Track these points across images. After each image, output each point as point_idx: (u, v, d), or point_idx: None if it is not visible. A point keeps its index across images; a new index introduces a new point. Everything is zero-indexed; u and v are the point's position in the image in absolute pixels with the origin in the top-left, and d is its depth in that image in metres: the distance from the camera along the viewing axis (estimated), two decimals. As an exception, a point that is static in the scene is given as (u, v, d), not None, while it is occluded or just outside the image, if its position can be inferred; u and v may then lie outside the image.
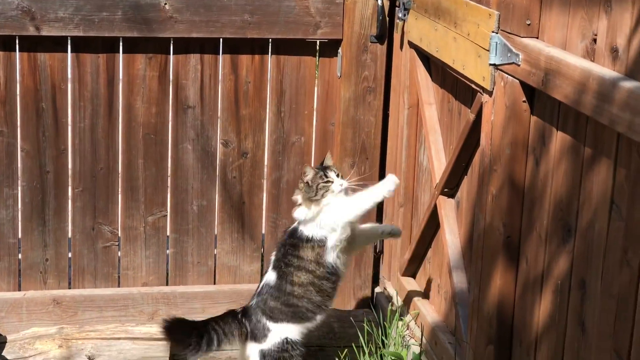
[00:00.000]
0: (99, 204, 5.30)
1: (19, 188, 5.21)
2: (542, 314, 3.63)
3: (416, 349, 4.86)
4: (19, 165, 5.19)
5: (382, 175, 5.51)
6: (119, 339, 5.17)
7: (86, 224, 5.32)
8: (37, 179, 5.21)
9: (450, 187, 4.67)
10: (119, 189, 5.34)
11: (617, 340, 3.06)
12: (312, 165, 5.15)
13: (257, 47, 5.34)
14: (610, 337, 3.10)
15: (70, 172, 5.27)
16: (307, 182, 4.49)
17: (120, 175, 5.33)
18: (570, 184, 3.38)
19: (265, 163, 5.49)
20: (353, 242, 4.62)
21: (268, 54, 5.37)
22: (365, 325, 5.32)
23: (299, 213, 4.56)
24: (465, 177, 4.53)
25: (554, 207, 3.52)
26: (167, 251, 5.46)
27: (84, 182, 5.27)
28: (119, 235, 5.38)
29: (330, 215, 4.48)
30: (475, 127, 4.23)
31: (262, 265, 5.60)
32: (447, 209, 4.71)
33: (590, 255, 3.25)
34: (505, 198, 3.82)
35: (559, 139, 3.49)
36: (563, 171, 3.44)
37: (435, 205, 4.79)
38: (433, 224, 4.89)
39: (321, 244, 4.50)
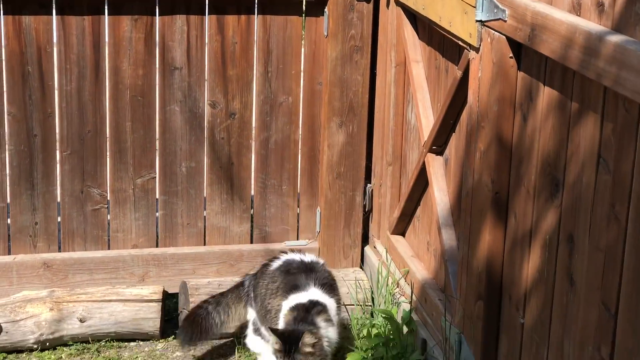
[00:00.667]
0: (88, 167, 5.30)
1: (7, 152, 5.20)
2: (531, 269, 3.65)
3: (406, 306, 4.89)
4: (6, 129, 5.17)
5: (370, 134, 5.52)
6: (110, 301, 5.19)
7: (75, 187, 5.31)
8: (25, 143, 5.20)
9: (438, 144, 4.67)
10: (107, 152, 5.33)
11: (605, 293, 3.08)
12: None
13: (243, 7, 5.32)
14: (598, 290, 3.12)
15: (57, 135, 5.26)
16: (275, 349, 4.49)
17: (108, 138, 5.31)
18: (558, 139, 3.39)
19: (253, 124, 5.48)
20: None
21: (254, 14, 5.34)
22: (355, 283, 5.35)
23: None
24: (453, 134, 4.54)
25: (541, 162, 3.53)
26: (157, 213, 5.46)
27: (72, 146, 5.26)
28: (108, 197, 5.38)
29: None
30: (462, 84, 4.24)
31: (251, 226, 5.61)
32: (436, 167, 4.72)
33: (578, 209, 3.26)
34: (493, 155, 3.83)
35: (546, 95, 3.49)
36: (550, 126, 3.45)
37: (424, 163, 4.79)
38: (422, 182, 4.90)
39: None
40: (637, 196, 2.88)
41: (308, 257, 4.85)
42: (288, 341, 4.35)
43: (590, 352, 3.18)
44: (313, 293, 4.64)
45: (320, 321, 4.51)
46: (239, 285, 5.02)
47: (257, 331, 4.88)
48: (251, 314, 4.93)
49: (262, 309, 4.78)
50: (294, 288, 4.65)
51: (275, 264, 4.83)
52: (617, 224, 2.99)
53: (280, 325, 4.55)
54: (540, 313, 3.58)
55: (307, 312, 4.53)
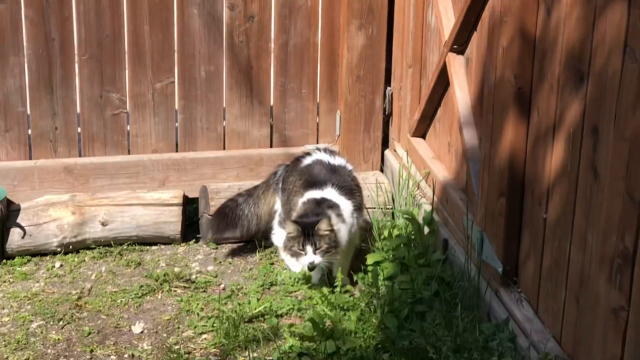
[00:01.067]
0: (106, 71, 5.28)
1: (25, 57, 5.18)
2: (554, 163, 3.64)
3: (427, 208, 4.89)
4: (24, 33, 5.15)
5: (389, 37, 5.48)
6: (131, 205, 5.22)
7: (94, 92, 5.30)
8: (43, 47, 5.18)
9: (459, 43, 4.63)
10: (126, 56, 5.31)
11: (629, 183, 3.07)
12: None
13: None
14: (622, 180, 3.11)
15: (75, 39, 5.23)
16: (288, 236, 4.60)
17: (126, 42, 5.28)
18: (583, 29, 3.35)
19: (272, 27, 5.44)
20: None
21: None
22: (376, 186, 5.36)
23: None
24: (475, 32, 4.49)
25: (565, 54, 3.49)
26: (176, 118, 5.46)
27: (90, 50, 5.23)
28: (127, 102, 5.37)
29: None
30: (484, -20, 4.18)
31: (271, 131, 5.60)
32: (457, 66, 4.69)
33: (603, 100, 3.23)
34: (516, 50, 3.79)
35: (571, -14, 3.44)
36: (575, 17, 3.40)
37: (445, 63, 4.76)
38: (442, 83, 4.87)
39: None
40: (664, 83, 2.86)
41: (337, 160, 4.88)
42: (306, 226, 4.47)
43: (614, 242, 3.18)
44: (328, 192, 4.69)
45: (332, 215, 4.58)
46: (271, 176, 5.12)
47: (281, 223, 4.93)
48: (278, 204, 4.98)
49: (286, 204, 4.84)
50: (311, 185, 4.70)
51: (305, 162, 4.87)
52: (643, 112, 2.97)
53: (293, 217, 4.65)
54: (564, 207, 3.57)
55: (319, 205, 4.62)
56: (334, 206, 4.65)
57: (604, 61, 3.22)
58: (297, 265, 4.88)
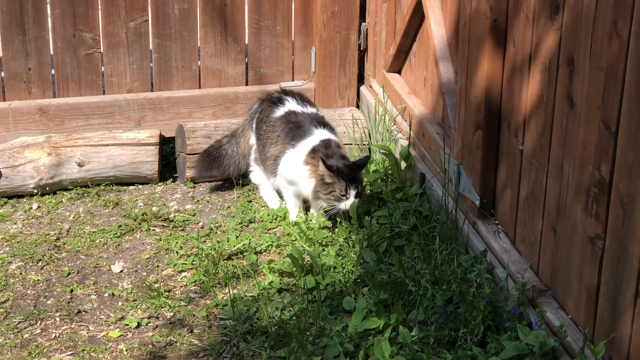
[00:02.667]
0: (79, 10, 5.22)
1: (-4, -3, 5.13)
2: (530, 94, 3.64)
3: (404, 143, 4.90)
4: (-6, -28, 5.09)
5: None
6: (107, 145, 5.20)
7: (67, 32, 5.25)
8: (14, -14, 5.12)
9: (434, -24, 4.61)
10: (98, -5, 5.26)
11: (605, 112, 3.08)
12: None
13: None
14: (598, 109, 3.12)
15: (47, -22, 5.18)
16: (322, 181, 4.54)
17: (98, -20, 5.24)
18: (558, -41, 3.34)
19: (245, -37, 5.40)
20: None
21: None
22: (352, 122, 5.35)
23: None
24: (450, -35, 4.47)
25: (541, -15, 3.49)
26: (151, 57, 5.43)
27: (62, -11, 5.18)
28: (101, 42, 5.32)
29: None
30: None
31: (246, 68, 5.58)
32: (432, 0, 4.67)
33: (579, 30, 3.23)
34: (491, -19, 3.78)
35: None
36: (550, -53, 3.39)
37: (420, -3, 4.74)
38: (417, 17, 4.85)
39: None
40: (639, 10, 2.85)
41: (309, 109, 4.88)
42: (349, 170, 4.53)
43: (590, 171, 3.20)
44: (324, 133, 4.73)
45: (346, 153, 4.67)
46: (247, 111, 5.13)
47: (257, 160, 4.94)
48: (253, 139, 4.98)
49: (262, 153, 4.84)
50: (300, 136, 4.71)
51: (278, 113, 4.84)
52: (619, 41, 2.97)
53: (304, 172, 4.62)
54: (540, 138, 3.58)
55: (334, 147, 4.64)
56: (340, 145, 4.70)
57: (579, -10, 3.21)
58: (276, 202, 4.91)
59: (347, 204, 4.49)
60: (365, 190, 4.67)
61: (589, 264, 3.26)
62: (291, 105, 4.86)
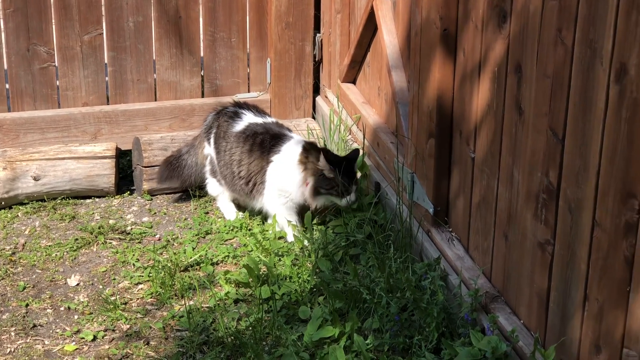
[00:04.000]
0: (32, 24, 5.21)
1: (-51, 11, 5.11)
2: (481, 102, 3.68)
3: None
4: (-53, -13, 5.07)
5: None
6: (63, 159, 5.18)
7: (20, 46, 5.24)
8: (-33, 1, 5.11)
9: (386, -13, 4.65)
10: (52, 9, 5.24)
11: (552, 119, 3.13)
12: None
13: None
14: (546, 116, 3.16)
15: (0, -8, 5.16)
16: (321, 177, 4.52)
17: (52, -7, 5.23)
18: (505, -32, 3.38)
19: (200, -25, 5.41)
20: None
21: None
22: (307, 132, 5.38)
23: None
24: (401, -25, 4.51)
25: (489, -6, 3.53)
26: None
27: (15, 2, 5.16)
28: (55, 55, 5.31)
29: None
30: None
31: (202, 81, 5.59)
32: (384, 10, 4.70)
33: (526, 38, 3.27)
34: (441, -9, 3.82)
35: None
36: (497, -43, 3.44)
37: (372, 8, 4.77)
38: (370, 27, 4.89)
39: None
40: (583, 19, 2.90)
41: (269, 119, 4.89)
42: (346, 164, 4.54)
43: (539, 177, 3.24)
44: (297, 136, 4.77)
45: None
46: (203, 124, 5.08)
47: (214, 173, 4.93)
48: (207, 149, 4.96)
49: (226, 172, 4.83)
50: (280, 142, 4.70)
51: (238, 127, 4.82)
52: (564, 48, 3.01)
53: (298, 173, 4.60)
54: (490, 145, 3.62)
55: (316, 146, 4.64)
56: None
57: (525, -1, 3.26)
58: (232, 213, 4.91)
59: (349, 198, 4.52)
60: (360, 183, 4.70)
61: (539, 269, 3.30)
62: (249, 117, 4.86)
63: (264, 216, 4.84)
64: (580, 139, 2.97)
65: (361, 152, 4.88)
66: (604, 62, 2.79)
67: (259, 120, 4.84)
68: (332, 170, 4.48)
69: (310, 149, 4.57)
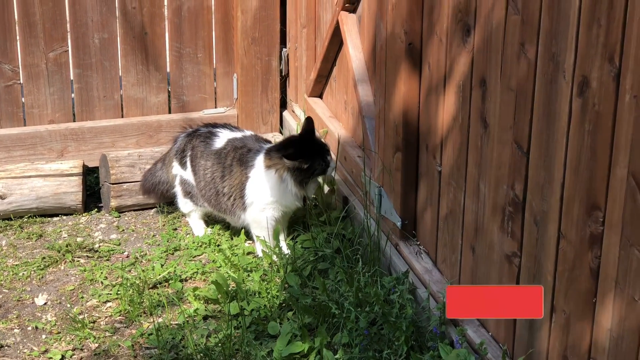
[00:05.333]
0: (-4, 42, 5.20)
1: None
2: (446, 116, 3.70)
3: (327, 166, 4.93)
4: None
5: (283, 5, 5.48)
6: (30, 177, 5.16)
7: (-15, 64, 5.22)
8: None
9: (351, 2, 4.67)
10: (16, 26, 5.21)
11: (517, 132, 3.14)
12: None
13: None
14: (510, 129, 3.18)
15: (-37, 11, 5.13)
16: (299, 168, 4.48)
17: (15, 11, 5.19)
18: (465, -18, 3.41)
19: (165, -8, 5.41)
20: None
21: None
22: (275, 147, 5.36)
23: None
24: (366, -10, 4.53)
25: (452, 8, 3.54)
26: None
27: (-21, 21, 5.14)
28: (21, 73, 5.29)
29: None
30: (372, -62, 4.20)
31: (169, 97, 5.58)
32: (350, 25, 4.72)
33: (490, 52, 3.29)
34: (405, 5, 3.83)
35: (454, -60, 3.49)
36: (460, -29, 3.46)
37: (338, 22, 4.79)
38: (336, 42, 4.90)
39: None
40: (545, 32, 2.92)
41: (247, 132, 4.87)
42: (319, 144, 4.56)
43: (505, 190, 3.26)
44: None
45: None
46: (173, 143, 5.03)
47: (188, 194, 4.89)
48: (176, 169, 4.93)
49: (208, 190, 4.77)
50: (254, 155, 4.67)
51: (217, 145, 4.78)
52: (527, 62, 3.03)
53: (274, 178, 4.54)
54: (457, 158, 3.64)
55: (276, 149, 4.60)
56: None
57: (488, 13, 3.28)
58: (201, 230, 4.91)
59: (331, 167, 4.55)
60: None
61: (506, 281, 3.32)
62: (226, 134, 4.82)
63: (233, 232, 4.83)
64: (544, 152, 2.99)
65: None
66: (566, 76, 2.81)
67: (237, 135, 4.81)
68: (303, 162, 4.45)
69: (270, 151, 4.55)
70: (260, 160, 4.58)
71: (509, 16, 3.14)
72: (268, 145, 4.67)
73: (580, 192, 2.82)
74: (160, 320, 4.21)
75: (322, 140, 4.70)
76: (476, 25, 3.38)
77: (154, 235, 5.02)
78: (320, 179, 4.62)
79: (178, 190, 4.96)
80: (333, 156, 4.60)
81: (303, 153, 4.45)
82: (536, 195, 3.07)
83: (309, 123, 4.54)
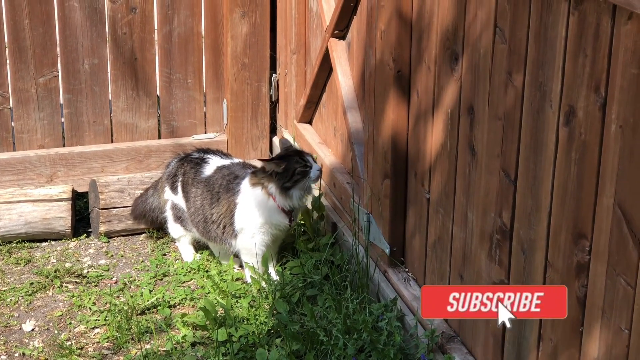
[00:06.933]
0: (-14, 67, 5.20)
1: None
2: (434, 143, 3.71)
3: (315, 192, 4.93)
4: None
5: (273, 24, 5.50)
6: (18, 202, 5.15)
7: (-25, 89, 5.22)
8: None
9: (340, 28, 4.68)
10: (6, 51, 5.22)
11: (504, 160, 3.15)
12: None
13: None
14: (498, 157, 3.19)
15: (-46, 36, 5.14)
16: (278, 172, 4.48)
17: (6, 36, 5.20)
18: (456, 11, 3.42)
19: (155, 17, 5.41)
20: None
21: None
22: (265, 173, 5.36)
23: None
24: (355, 17, 4.54)
25: (441, 36, 3.56)
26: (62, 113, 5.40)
27: (-31, 46, 5.15)
28: (10, 98, 5.29)
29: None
30: (361, -35, 4.23)
31: (159, 122, 5.58)
32: (339, 51, 4.73)
33: (477, 80, 3.31)
34: (394, 33, 3.85)
35: (443, -31, 3.51)
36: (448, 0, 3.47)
37: (327, 49, 4.80)
38: (326, 68, 4.91)
39: None
40: (532, 62, 2.93)
41: (235, 160, 4.88)
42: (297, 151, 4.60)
43: (493, 218, 3.26)
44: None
45: None
46: (165, 171, 5.02)
47: (178, 219, 4.89)
48: (168, 194, 4.93)
49: (198, 217, 4.77)
50: (239, 181, 4.67)
51: (207, 172, 4.78)
52: (514, 90, 3.04)
53: (261, 195, 4.55)
54: (445, 186, 3.65)
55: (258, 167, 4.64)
56: None
57: (475, 42, 3.29)
58: (190, 255, 4.90)
59: (314, 169, 4.48)
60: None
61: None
62: (216, 161, 4.82)
63: (227, 258, 4.82)
64: (531, 180, 3.00)
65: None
66: (553, 105, 2.83)
67: (226, 162, 4.82)
68: (280, 162, 4.46)
69: (255, 171, 4.59)
70: (246, 183, 4.59)
71: (496, 45, 3.16)
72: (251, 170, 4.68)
73: (567, 221, 2.83)
74: (148, 346, 4.20)
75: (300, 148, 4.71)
76: (464, 53, 3.39)
77: (142, 261, 5.01)
78: (301, 189, 4.53)
79: (169, 214, 4.95)
80: (314, 165, 4.52)
81: (283, 156, 4.54)
82: (523, 224, 3.07)
83: (286, 146, 4.68)
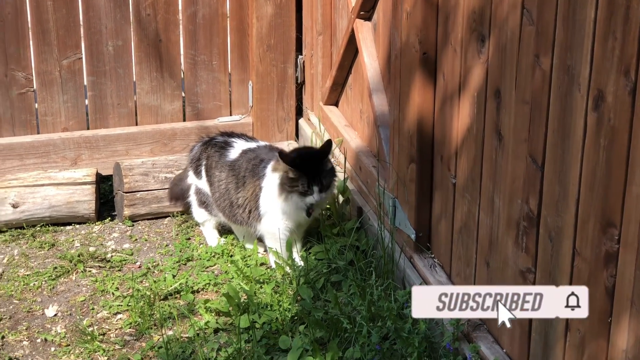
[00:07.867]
0: (10, 49, 5.14)
1: None
2: (461, 128, 3.62)
3: (341, 176, 4.86)
4: None
5: (299, 4, 5.42)
6: (42, 185, 5.11)
7: (-2, 71, 5.18)
8: (-57, 27, 5.04)
9: (366, 9, 4.59)
10: (30, 33, 5.18)
11: (532, 145, 3.07)
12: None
13: None
14: (525, 142, 3.11)
15: (-24, 18, 5.10)
16: (288, 175, 4.36)
17: (29, 18, 5.15)
18: (482, -8, 3.33)
19: (179, -2, 5.36)
20: None
21: None
22: (290, 156, 5.30)
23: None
24: (381, -3, 4.46)
25: (467, 17, 3.47)
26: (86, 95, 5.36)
27: (-8, 28, 5.11)
28: (34, 80, 5.25)
29: None
30: (387, -55, 4.14)
31: (183, 104, 5.52)
32: (365, 33, 4.65)
33: (504, 63, 3.22)
34: (419, 14, 3.76)
35: (469, -52, 3.41)
36: (474, -20, 3.38)
37: (353, 30, 4.72)
38: (352, 50, 4.83)
39: None
40: (560, 44, 2.84)
41: (261, 143, 4.80)
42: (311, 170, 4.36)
43: (520, 204, 3.18)
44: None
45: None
46: (189, 154, 4.96)
47: (203, 204, 4.82)
48: (192, 178, 4.87)
49: (223, 201, 4.69)
50: (265, 165, 4.58)
51: (231, 156, 4.70)
52: (542, 73, 2.95)
53: (275, 178, 4.46)
54: (471, 171, 3.56)
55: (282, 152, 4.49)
56: None
57: (502, 23, 3.20)
58: (214, 240, 4.84)
59: (313, 197, 4.33)
60: (335, 178, 4.49)
61: (521, 297, 3.23)
62: (241, 144, 4.74)
63: (251, 242, 4.76)
64: (559, 166, 2.91)
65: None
66: (581, 89, 2.73)
67: (251, 145, 4.74)
68: (293, 171, 4.31)
69: (280, 154, 4.40)
70: (271, 167, 4.51)
71: (523, 27, 3.06)
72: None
73: (595, 209, 2.74)
74: (170, 332, 4.15)
75: (332, 166, 4.47)
76: (491, 35, 3.30)
77: (167, 245, 4.96)
78: (294, 201, 4.41)
79: (193, 199, 4.90)
80: (315, 196, 4.34)
81: (298, 164, 4.33)
82: (551, 211, 2.99)
83: (327, 145, 4.41)
